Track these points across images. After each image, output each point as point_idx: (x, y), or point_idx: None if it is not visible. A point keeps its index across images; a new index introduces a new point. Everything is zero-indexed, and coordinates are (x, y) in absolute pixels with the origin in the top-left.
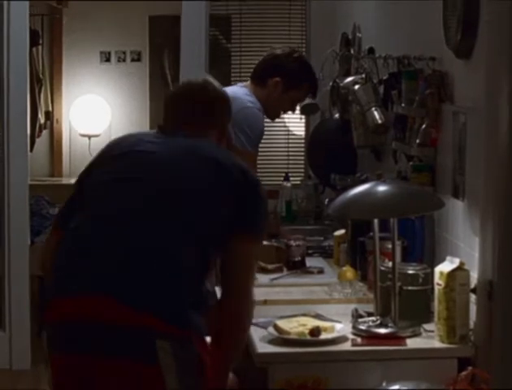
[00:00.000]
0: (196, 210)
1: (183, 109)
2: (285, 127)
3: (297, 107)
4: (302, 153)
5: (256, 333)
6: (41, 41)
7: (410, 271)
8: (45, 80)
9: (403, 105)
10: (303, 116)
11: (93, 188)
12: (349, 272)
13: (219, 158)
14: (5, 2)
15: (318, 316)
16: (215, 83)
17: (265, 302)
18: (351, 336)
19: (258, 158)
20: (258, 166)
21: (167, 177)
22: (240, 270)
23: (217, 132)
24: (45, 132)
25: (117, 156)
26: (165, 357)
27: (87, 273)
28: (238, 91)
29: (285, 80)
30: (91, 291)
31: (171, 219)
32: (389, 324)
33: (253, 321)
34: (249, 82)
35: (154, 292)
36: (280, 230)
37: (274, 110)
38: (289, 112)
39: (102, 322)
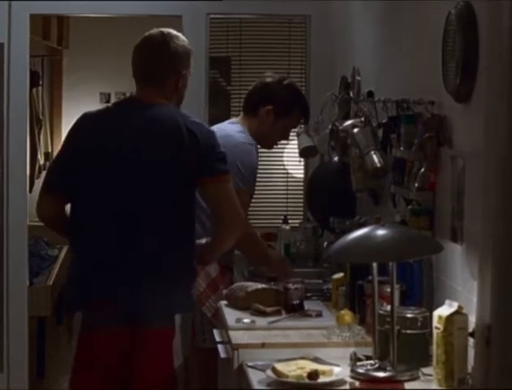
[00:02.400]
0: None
1: (144, 64)
2: (284, 169)
3: (297, 150)
4: (301, 196)
5: (254, 376)
6: (41, 82)
7: (409, 315)
8: (45, 120)
9: (402, 148)
10: (302, 159)
11: (85, 179)
12: (347, 316)
13: (175, 126)
14: (5, 44)
15: (316, 359)
16: (173, 34)
17: (263, 345)
18: (349, 380)
19: (257, 200)
20: (257, 208)
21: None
22: (224, 202)
23: (173, 79)
24: (44, 173)
25: (97, 143)
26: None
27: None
28: (229, 128)
29: (277, 108)
30: (106, 298)
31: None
32: (387, 368)
33: (252, 364)
34: (240, 116)
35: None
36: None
37: (268, 140)
38: (287, 143)
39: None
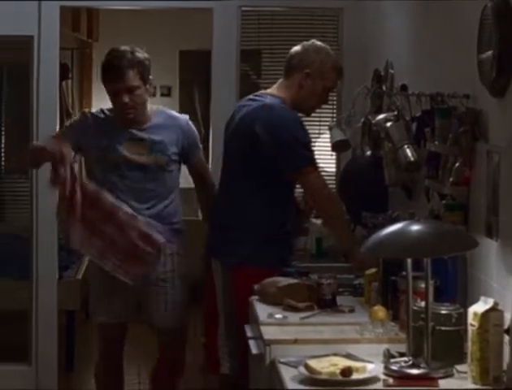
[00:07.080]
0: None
1: None
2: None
3: (330, 144)
4: (333, 190)
5: (287, 372)
6: (70, 75)
7: (443, 311)
8: (75, 113)
9: (436, 142)
10: (334, 153)
11: None
12: (380, 312)
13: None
14: (35, 36)
15: (349, 356)
16: None
17: (295, 341)
18: (383, 377)
19: None
20: None
21: None
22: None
23: None
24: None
25: None
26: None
27: None
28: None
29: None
30: None
31: None
32: (421, 365)
33: (284, 360)
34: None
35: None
36: None
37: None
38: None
39: None
